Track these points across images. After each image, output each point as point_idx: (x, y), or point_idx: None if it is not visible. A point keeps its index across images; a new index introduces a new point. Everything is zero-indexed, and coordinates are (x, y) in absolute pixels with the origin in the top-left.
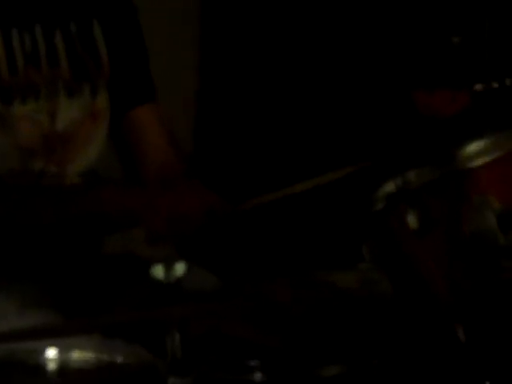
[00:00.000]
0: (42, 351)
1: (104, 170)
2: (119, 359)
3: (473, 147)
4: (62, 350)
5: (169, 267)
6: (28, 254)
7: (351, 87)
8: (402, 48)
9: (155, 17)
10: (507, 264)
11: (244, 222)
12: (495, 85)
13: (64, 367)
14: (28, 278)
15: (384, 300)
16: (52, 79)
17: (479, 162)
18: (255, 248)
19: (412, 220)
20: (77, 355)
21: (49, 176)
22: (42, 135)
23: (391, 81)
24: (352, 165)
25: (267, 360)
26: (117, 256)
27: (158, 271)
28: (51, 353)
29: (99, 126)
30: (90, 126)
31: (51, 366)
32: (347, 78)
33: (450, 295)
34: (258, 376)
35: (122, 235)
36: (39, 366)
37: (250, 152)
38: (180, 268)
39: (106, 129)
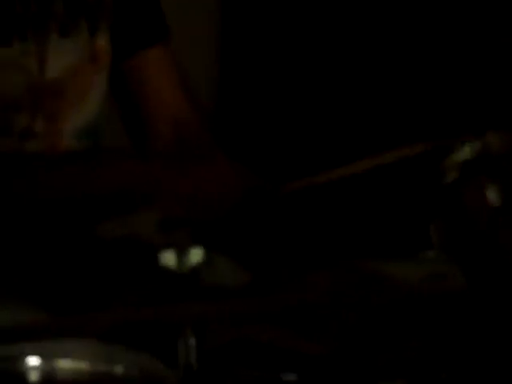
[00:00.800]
0: (23, 358)
1: (106, 129)
2: (119, 369)
3: None
4: (48, 358)
5: (182, 253)
6: (8, 239)
7: None
8: None
9: None
10: None
11: (287, 205)
12: None
13: (49, 379)
14: (9, 267)
15: (454, 296)
16: (42, 16)
17: None
18: (296, 235)
19: (492, 194)
20: (66, 364)
21: (36, 136)
22: (28, 84)
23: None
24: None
25: (308, 374)
26: (118, 240)
27: (169, 258)
28: (33, 361)
29: (100, 71)
30: (89, 73)
31: (33, 377)
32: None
33: None
34: None
35: (126, 218)
36: (18, 376)
37: (285, 115)
38: (196, 255)
39: (108, 77)
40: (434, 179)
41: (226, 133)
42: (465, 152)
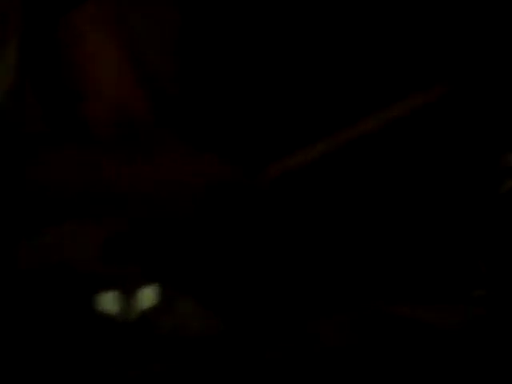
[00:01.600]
0: None
1: (15, 122)
2: None
3: None
4: None
5: (129, 294)
6: None
7: None
8: None
9: None
10: None
11: (270, 204)
12: None
13: None
14: None
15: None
16: None
17: None
18: (288, 260)
19: None
20: None
21: None
22: None
23: None
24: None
25: None
26: (42, 272)
27: (108, 301)
28: None
29: (6, 40)
30: None
31: None
32: None
33: None
34: None
35: (49, 237)
36: None
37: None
38: (148, 296)
39: (15, 51)
40: (483, 189)
41: (189, 110)
42: None
